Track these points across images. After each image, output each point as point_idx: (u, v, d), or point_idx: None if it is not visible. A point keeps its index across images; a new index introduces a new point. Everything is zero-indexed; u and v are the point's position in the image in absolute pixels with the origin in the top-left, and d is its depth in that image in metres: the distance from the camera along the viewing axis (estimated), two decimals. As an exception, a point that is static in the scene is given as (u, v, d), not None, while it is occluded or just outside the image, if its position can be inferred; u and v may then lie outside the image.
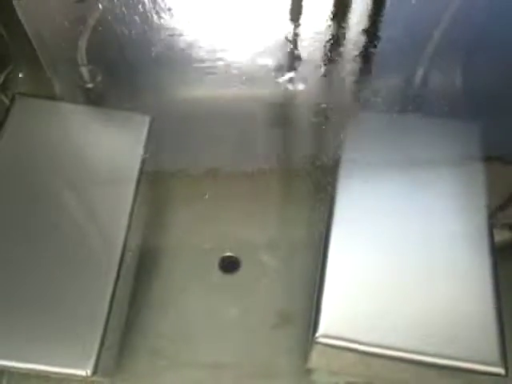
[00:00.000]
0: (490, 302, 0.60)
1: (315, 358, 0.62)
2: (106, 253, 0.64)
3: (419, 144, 0.71)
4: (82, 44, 0.72)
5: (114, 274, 0.63)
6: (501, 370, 0.57)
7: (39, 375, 0.59)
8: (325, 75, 0.87)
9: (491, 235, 0.65)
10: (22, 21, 0.83)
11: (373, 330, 0.58)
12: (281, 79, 0.86)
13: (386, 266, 0.62)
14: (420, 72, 0.79)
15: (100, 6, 0.73)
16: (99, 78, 0.77)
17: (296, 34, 0.90)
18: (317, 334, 0.58)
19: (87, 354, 0.58)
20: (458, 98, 0.82)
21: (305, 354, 0.65)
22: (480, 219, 0.65)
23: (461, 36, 0.84)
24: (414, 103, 0.82)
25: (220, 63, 0.86)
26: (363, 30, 0.89)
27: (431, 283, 0.61)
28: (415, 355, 0.57)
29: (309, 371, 0.67)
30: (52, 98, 0.78)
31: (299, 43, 0.89)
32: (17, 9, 0.83)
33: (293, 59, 0.88)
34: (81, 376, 0.58)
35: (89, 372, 0.58)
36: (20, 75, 0.81)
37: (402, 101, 0.82)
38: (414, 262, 0.62)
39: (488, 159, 0.70)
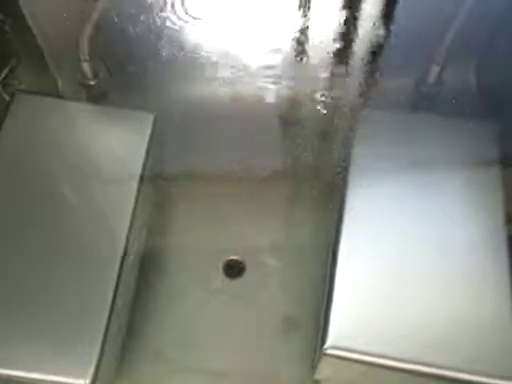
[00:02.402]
0: (509, 311, 0.57)
1: (323, 370, 0.60)
2: (106, 255, 0.62)
3: (433, 145, 0.69)
4: (84, 40, 0.71)
5: (114, 277, 0.61)
6: (522, 387, 0.54)
7: (35, 384, 0.58)
8: (334, 74, 0.85)
9: (508, 241, 0.62)
10: (26, 16, 0.82)
11: (385, 341, 0.56)
12: (288, 78, 0.84)
13: (398, 273, 0.60)
14: (434, 70, 0.77)
15: (103, 1, 0.72)
16: (102, 75, 0.76)
17: (304, 33, 0.88)
18: (325, 346, 0.56)
19: (86, 362, 0.56)
20: (474, 96, 0.80)
21: (312, 364, 0.63)
22: (496, 224, 0.63)
23: (477, 32, 0.82)
24: (427, 102, 0.80)
25: (226, 61, 0.85)
26: (373, 27, 0.87)
27: (446, 292, 0.59)
28: (431, 368, 0.55)
29: (316, 382, 0.65)
30: (54, 95, 0.76)
31: (307, 42, 0.87)
32: (20, 4, 0.82)
33: (300, 58, 0.86)
34: (79, 385, 0.56)
35: (87, 381, 0.55)
36: (22, 71, 0.79)
37: (414, 99, 0.81)
38: (427, 269, 0.60)
39: (505, 161, 0.68)
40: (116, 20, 0.86)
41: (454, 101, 0.78)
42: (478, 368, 0.55)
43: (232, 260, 0.72)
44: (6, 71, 0.78)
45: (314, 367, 0.61)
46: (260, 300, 0.70)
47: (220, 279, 0.71)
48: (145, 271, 0.70)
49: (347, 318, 0.57)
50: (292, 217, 0.77)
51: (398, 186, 0.67)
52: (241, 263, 0.72)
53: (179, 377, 0.66)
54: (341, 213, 0.64)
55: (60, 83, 0.79)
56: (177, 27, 0.88)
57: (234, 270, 0.72)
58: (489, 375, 0.54)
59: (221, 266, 0.72)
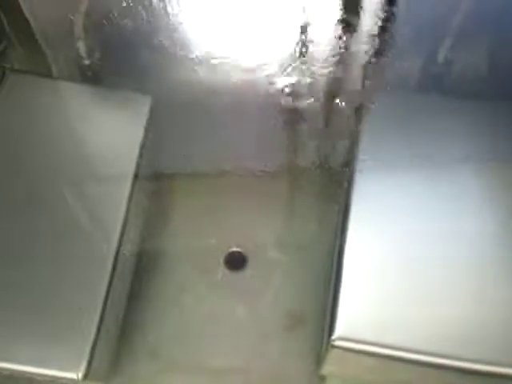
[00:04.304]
0: None
1: (330, 363, 0.57)
2: (100, 247, 0.59)
3: (442, 131, 0.67)
4: (79, 18, 0.68)
5: (108, 270, 0.58)
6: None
7: (26, 377, 0.55)
8: (339, 61, 0.82)
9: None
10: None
11: (394, 331, 0.53)
12: (292, 68, 0.82)
13: (406, 264, 0.57)
14: (444, 53, 0.75)
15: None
16: (97, 55, 0.74)
17: (308, 18, 0.86)
18: (333, 337, 0.53)
19: (78, 356, 0.54)
20: (490, 79, 0.78)
21: (318, 359, 0.60)
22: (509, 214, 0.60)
23: (489, 13, 0.80)
24: (436, 85, 0.78)
25: (224, 54, 0.83)
26: (382, 8, 0.85)
27: (455, 282, 0.56)
28: (444, 359, 0.52)
29: (323, 378, 0.62)
30: (48, 75, 0.74)
31: (312, 26, 0.85)
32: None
33: (305, 46, 0.84)
34: (71, 379, 0.54)
35: (80, 375, 0.53)
36: (14, 51, 0.77)
37: (423, 83, 0.78)
38: (437, 260, 0.58)
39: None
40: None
41: (468, 84, 0.76)
42: (489, 358, 0.52)
43: (233, 252, 0.70)
44: (-1, 50, 0.75)
45: (320, 362, 0.59)
46: (261, 292, 0.68)
47: (221, 272, 0.69)
48: (143, 265, 0.68)
49: (356, 308, 0.54)
50: (296, 207, 0.75)
51: (408, 177, 0.64)
52: (242, 255, 0.70)
53: (179, 372, 0.64)
54: (348, 203, 0.62)
55: (55, 63, 0.77)
56: (175, 11, 0.86)
57: (235, 262, 0.70)
58: (503, 364, 0.52)
59: (222, 258, 0.70)
